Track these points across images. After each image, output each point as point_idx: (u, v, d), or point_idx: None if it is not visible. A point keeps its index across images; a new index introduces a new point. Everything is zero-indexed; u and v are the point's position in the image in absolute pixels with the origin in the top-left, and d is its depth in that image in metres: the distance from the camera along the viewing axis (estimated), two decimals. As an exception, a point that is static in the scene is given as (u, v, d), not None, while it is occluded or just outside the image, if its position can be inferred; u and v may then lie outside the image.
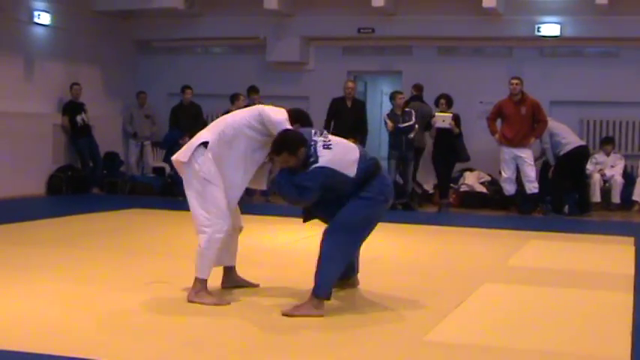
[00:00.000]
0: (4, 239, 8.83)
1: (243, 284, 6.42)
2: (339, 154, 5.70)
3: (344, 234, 5.69)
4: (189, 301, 5.87)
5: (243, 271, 6.48)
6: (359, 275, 6.42)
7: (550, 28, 13.94)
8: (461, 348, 4.95)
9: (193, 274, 5.92)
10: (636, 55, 13.89)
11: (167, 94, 15.83)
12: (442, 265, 8.04)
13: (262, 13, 14.81)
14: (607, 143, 13.53)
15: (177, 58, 16.33)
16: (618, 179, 13.13)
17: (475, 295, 6.44)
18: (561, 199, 12.69)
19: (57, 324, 5.24)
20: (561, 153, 12.67)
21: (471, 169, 13.90)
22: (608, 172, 13.19)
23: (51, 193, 13.95)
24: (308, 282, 5.71)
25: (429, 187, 13.99)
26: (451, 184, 13.44)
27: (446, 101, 12.85)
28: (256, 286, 6.46)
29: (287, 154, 5.65)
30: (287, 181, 5.69)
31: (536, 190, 12.43)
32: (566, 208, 12.62)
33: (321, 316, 5.55)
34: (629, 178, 13.40)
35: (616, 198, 13.07)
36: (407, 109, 12.93)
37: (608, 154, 13.44)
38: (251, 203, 11.81)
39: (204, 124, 14.85)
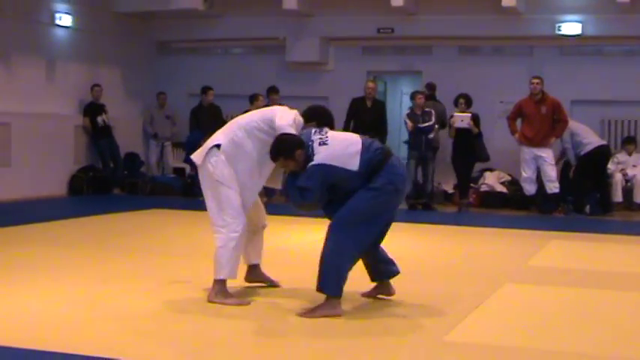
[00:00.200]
0: (26, 239, 8.90)
1: (266, 282, 6.43)
2: (337, 149, 5.58)
3: (349, 228, 5.53)
4: (210, 301, 5.89)
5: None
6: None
7: (571, 27, 13.86)
8: (481, 348, 4.94)
9: (214, 276, 5.94)
10: (658, 53, 13.82)
11: (187, 95, 15.87)
12: (462, 265, 8.01)
13: (282, 14, 14.82)
14: (629, 143, 13.43)
15: (196, 58, 16.37)
16: (640, 179, 13.06)
17: (496, 296, 6.42)
18: (582, 199, 12.62)
19: (79, 324, 5.27)
20: (582, 153, 12.60)
21: (491, 169, 13.86)
22: (630, 172, 13.10)
23: (72, 194, 14.03)
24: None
25: (448, 186, 13.96)
26: (471, 184, 13.40)
27: (465, 101, 12.81)
28: (278, 285, 6.47)
29: (283, 159, 5.62)
30: (290, 185, 5.66)
31: (557, 190, 12.37)
32: (587, 208, 12.56)
33: (340, 315, 5.50)
34: (651, 177, 13.30)
35: (638, 198, 12.96)
36: (427, 109, 12.91)
37: (630, 154, 13.34)
38: (271, 203, 11.81)
39: (223, 125, 14.96)
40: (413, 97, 13.08)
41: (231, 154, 5.91)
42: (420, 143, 12.78)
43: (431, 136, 12.86)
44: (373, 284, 6.13)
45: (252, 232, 6.27)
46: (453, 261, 8.26)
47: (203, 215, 11.37)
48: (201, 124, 13.89)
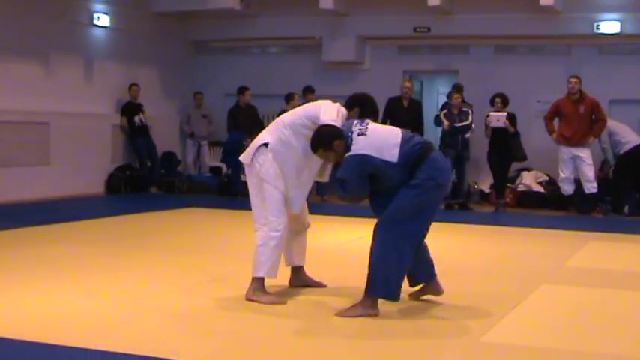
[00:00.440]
0: (65, 238, 9.00)
1: (311, 284, 6.43)
2: (375, 139, 5.52)
3: (394, 227, 5.48)
4: (247, 299, 5.92)
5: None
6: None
7: (609, 26, 13.72)
8: (519, 349, 4.92)
9: (252, 274, 5.96)
10: (698, 52, 13.66)
11: (224, 94, 15.95)
12: (499, 265, 7.98)
13: (318, 13, 14.84)
14: (668, 142, 13.28)
15: (233, 58, 16.44)
16: (680, 179, 12.89)
17: (533, 297, 6.38)
18: (621, 200, 12.50)
19: (122, 322, 5.32)
20: (621, 152, 12.50)
21: (528, 169, 13.78)
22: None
23: (110, 193, 14.16)
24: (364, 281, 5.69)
25: (485, 186, 13.90)
26: (508, 184, 13.33)
27: (501, 100, 12.73)
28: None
29: (322, 150, 5.62)
30: (334, 179, 5.67)
31: (595, 190, 12.26)
32: (626, 209, 12.44)
33: (376, 315, 5.49)
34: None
35: (678, 198, 12.84)
36: (464, 109, 12.86)
37: (670, 154, 13.18)
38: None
39: (261, 125, 15.02)
40: (449, 96, 13.05)
41: (279, 153, 5.92)
42: (456, 143, 12.74)
43: (467, 135, 12.82)
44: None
45: (296, 232, 6.27)
46: (489, 261, 8.22)
47: (240, 214, 11.49)
48: (239, 125, 13.94)
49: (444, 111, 13.04)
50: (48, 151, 13.18)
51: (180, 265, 7.41)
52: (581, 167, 12.31)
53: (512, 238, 10.03)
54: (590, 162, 12.33)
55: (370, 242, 5.57)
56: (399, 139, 5.56)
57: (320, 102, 6.10)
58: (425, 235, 5.82)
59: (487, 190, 13.84)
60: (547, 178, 13.63)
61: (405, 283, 5.78)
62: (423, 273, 5.98)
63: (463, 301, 6.10)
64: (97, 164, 14.07)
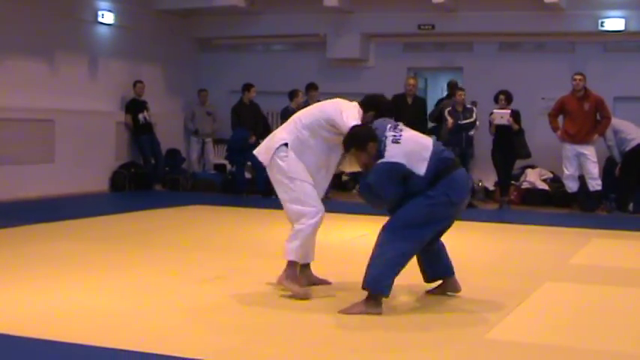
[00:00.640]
0: (69, 235, 9.01)
1: (317, 283, 6.45)
2: (408, 149, 5.59)
3: (401, 231, 5.56)
4: (279, 282, 6.01)
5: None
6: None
7: (614, 23, 13.70)
8: (522, 346, 4.92)
9: (284, 257, 6.04)
10: (703, 49, 13.63)
11: (228, 92, 15.95)
12: (503, 262, 7.99)
13: (322, 11, 14.84)
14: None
15: (237, 55, 16.46)
16: (686, 176, 12.87)
17: (537, 294, 6.39)
18: (626, 197, 12.48)
19: (129, 319, 5.34)
20: (627, 149, 12.48)
21: (532, 166, 13.77)
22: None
23: (114, 190, 14.17)
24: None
25: (489, 184, 13.90)
26: (512, 181, 13.33)
27: (505, 97, 12.72)
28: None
29: (355, 150, 5.68)
30: (362, 181, 5.73)
31: (599, 188, 12.25)
32: (630, 206, 12.42)
33: (380, 314, 5.51)
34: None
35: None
36: (468, 106, 12.86)
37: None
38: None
39: (264, 122, 14.97)
40: (453, 93, 13.04)
41: (298, 151, 6.01)
42: (460, 140, 12.72)
43: (471, 133, 12.81)
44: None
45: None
46: (493, 258, 8.23)
47: (244, 211, 11.50)
48: (243, 122, 13.93)
49: (449, 108, 13.03)
50: (52, 148, 13.19)
51: (185, 263, 7.42)
52: (585, 164, 12.29)
53: (516, 235, 10.03)
54: (595, 159, 12.31)
55: (375, 241, 5.65)
56: (429, 153, 5.63)
57: (338, 102, 6.16)
58: (438, 237, 5.96)
59: (491, 188, 13.83)
60: (551, 176, 13.62)
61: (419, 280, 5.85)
62: (441, 270, 6.11)
63: (467, 298, 6.12)
64: (102, 161, 14.08)
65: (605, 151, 12.88)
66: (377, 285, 5.55)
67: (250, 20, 15.68)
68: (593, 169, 12.26)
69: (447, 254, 6.11)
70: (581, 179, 12.46)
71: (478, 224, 10.93)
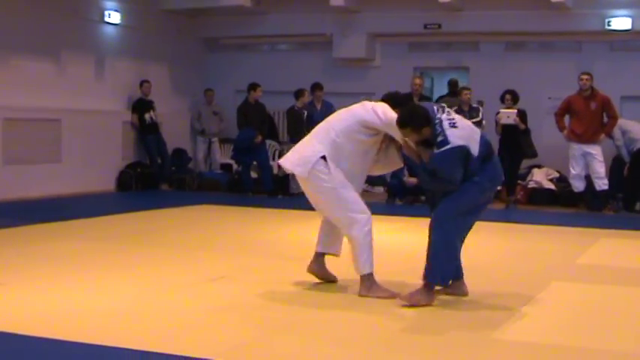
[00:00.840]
0: (76, 235, 9.03)
1: (324, 277, 6.46)
2: (466, 133, 5.72)
3: (454, 220, 5.71)
4: (361, 295, 6.01)
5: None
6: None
7: (621, 22, 13.68)
8: (529, 346, 4.91)
9: (358, 273, 6.04)
10: None
11: (234, 91, 15.97)
12: (510, 262, 7.97)
13: (328, 10, 14.85)
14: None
15: (244, 55, 16.47)
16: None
17: (543, 294, 6.37)
18: (634, 196, 12.46)
19: (135, 319, 5.34)
20: (635, 149, 12.46)
21: (539, 166, 13.75)
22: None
23: (120, 190, 14.19)
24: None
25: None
26: (519, 181, 13.31)
27: (511, 97, 12.70)
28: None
29: (411, 130, 5.68)
30: (422, 171, 5.81)
31: (605, 187, 12.23)
32: (638, 206, 12.40)
33: (432, 303, 5.70)
34: None
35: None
36: (474, 105, 12.84)
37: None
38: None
39: (270, 122, 14.96)
40: (459, 92, 13.02)
41: (335, 160, 6.01)
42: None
43: (478, 132, 12.78)
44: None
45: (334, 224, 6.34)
46: (500, 258, 8.22)
47: (250, 211, 11.49)
48: (249, 121, 13.93)
49: (455, 108, 12.99)
50: (59, 148, 13.22)
51: (192, 262, 7.42)
52: (592, 164, 12.27)
53: (523, 235, 10.01)
54: (601, 158, 12.29)
55: (430, 231, 5.74)
56: (478, 135, 5.79)
57: (365, 104, 6.18)
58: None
59: (498, 187, 13.80)
60: (558, 175, 13.60)
61: None
62: (457, 270, 6.15)
63: (473, 298, 6.11)
64: (108, 161, 14.10)
65: (612, 151, 12.87)
66: (444, 279, 5.80)
67: (256, 20, 15.69)
68: (600, 169, 12.24)
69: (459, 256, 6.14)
70: (588, 179, 12.44)
71: (484, 224, 10.79)
